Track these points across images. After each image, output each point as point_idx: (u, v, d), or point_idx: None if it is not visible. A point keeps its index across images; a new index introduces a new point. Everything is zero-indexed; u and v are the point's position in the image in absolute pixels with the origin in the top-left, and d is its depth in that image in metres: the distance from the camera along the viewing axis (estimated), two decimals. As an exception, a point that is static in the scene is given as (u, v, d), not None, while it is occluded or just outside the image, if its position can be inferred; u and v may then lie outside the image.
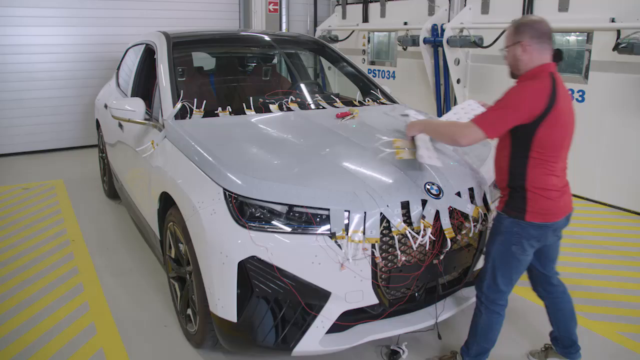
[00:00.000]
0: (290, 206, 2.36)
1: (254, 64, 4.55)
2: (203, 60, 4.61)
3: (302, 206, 2.35)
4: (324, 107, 3.58)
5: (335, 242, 2.30)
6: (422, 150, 2.57)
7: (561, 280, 2.67)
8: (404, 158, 2.62)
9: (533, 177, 2.30)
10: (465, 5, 6.64)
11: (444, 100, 7.20)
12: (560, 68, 5.77)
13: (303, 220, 2.34)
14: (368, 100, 3.89)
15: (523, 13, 5.97)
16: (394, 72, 8.08)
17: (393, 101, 4.06)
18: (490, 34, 6.20)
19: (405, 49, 7.45)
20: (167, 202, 2.98)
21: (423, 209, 2.46)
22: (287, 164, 2.60)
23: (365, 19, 8.39)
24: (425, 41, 6.84)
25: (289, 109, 3.45)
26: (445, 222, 2.50)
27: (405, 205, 2.44)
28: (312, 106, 3.60)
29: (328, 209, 2.33)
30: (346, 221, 2.32)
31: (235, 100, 3.79)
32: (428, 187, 2.54)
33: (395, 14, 7.84)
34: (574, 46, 5.66)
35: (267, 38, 4.47)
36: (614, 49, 4.92)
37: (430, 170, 2.66)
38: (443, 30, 6.63)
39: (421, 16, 7.23)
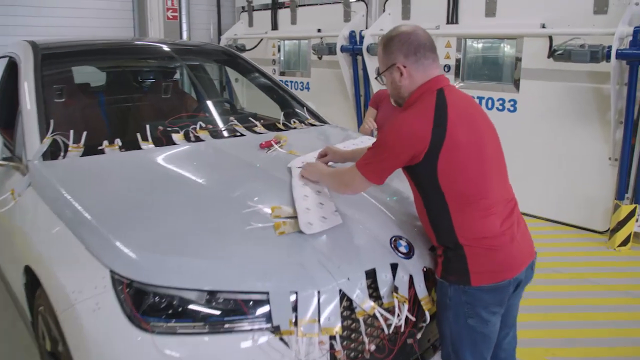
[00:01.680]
0: (212, 292, 1.64)
1: (151, 80, 3.72)
2: (86, 77, 3.74)
3: (228, 291, 1.63)
4: (242, 134, 2.86)
5: (281, 339, 1.61)
6: (308, 216, 1.88)
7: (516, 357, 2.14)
8: (287, 232, 1.83)
9: (463, 226, 1.75)
10: (384, 11, 6.18)
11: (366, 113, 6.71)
12: (489, 77, 5.46)
13: (231, 310, 1.62)
14: (294, 122, 3.23)
15: (447, 18, 5.60)
16: (307, 83, 7.49)
17: (322, 121, 3.43)
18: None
19: (320, 58, 6.88)
20: (35, 277, 2.14)
21: (394, 276, 1.83)
22: (203, 225, 1.86)
23: (275, 27, 7.74)
24: (343, 49, 6.30)
25: (198, 139, 2.70)
26: (421, 290, 1.88)
27: (371, 274, 1.81)
28: (228, 133, 2.87)
29: (267, 293, 1.64)
30: (293, 300, 1.64)
31: (126, 130, 2.98)
32: (395, 243, 1.92)
33: (307, 20, 7.25)
34: (502, 53, 5.36)
35: (167, 48, 3.68)
36: (549, 56, 4.62)
37: (391, 216, 2.06)
38: (362, 38, 6.13)
39: (336, 23, 6.69)
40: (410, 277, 1.86)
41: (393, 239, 1.94)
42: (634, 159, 4.57)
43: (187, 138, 2.67)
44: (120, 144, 2.53)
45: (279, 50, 7.80)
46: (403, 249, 1.91)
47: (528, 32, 4.90)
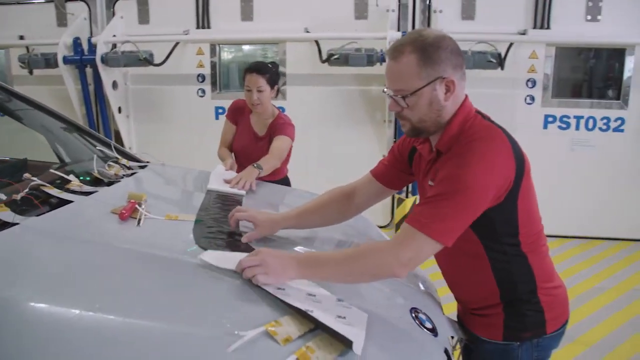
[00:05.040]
0: None
1: None
2: None
3: None
4: (64, 200, 1.82)
5: None
6: (347, 327, 1.18)
7: None
8: None
9: (540, 270, 1.46)
10: (114, 14, 5.19)
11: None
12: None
13: None
14: (109, 166, 2.29)
15: (197, 22, 5.02)
16: (8, 105, 5.85)
17: (135, 158, 2.55)
18: (157, 48, 5.01)
19: (31, 73, 5.41)
20: None
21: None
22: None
23: (-52, 33, 5.81)
24: (66, 61, 5.07)
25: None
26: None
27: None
28: (32, 201, 1.79)
29: None
30: None
31: None
32: (418, 319, 1.44)
33: (3, 24, 5.61)
34: (265, 60, 5.08)
35: None
36: (324, 61, 4.53)
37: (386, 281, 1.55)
38: (92, 46, 5.04)
39: (47, 28, 5.35)
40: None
41: (413, 314, 1.44)
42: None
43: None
44: None
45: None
46: (428, 324, 1.44)
47: (295, 37, 4.74)
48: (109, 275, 1.34)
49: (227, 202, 2.00)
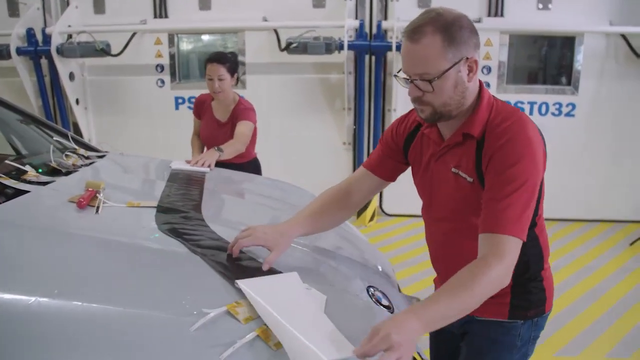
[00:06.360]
0: None
1: None
2: None
3: None
4: (20, 190, 1.81)
5: None
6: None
7: None
8: None
9: (546, 249, 1.49)
10: (68, 4, 5.08)
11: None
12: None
13: None
14: (66, 156, 2.28)
15: (154, 11, 4.96)
16: (-41, 98, 5.67)
17: (92, 148, 2.54)
18: (114, 38, 4.93)
19: (-15, 65, 5.25)
20: None
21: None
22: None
23: None
24: (20, 52, 4.94)
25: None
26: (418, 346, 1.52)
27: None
28: None
29: None
30: None
31: None
32: (375, 297, 1.50)
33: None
34: (224, 50, 5.05)
35: None
36: (283, 49, 4.55)
37: (331, 263, 1.61)
38: (46, 36, 4.93)
39: (-1, 18, 5.22)
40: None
41: (370, 292, 1.50)
42: (364, 142, 4.97)
43: None
44: None
45: None
46: (385, 301, 1.51)
47: (253, 26, 4.75)
48: (67, 262, 1.36)
49: (190, 184, 2.04)
